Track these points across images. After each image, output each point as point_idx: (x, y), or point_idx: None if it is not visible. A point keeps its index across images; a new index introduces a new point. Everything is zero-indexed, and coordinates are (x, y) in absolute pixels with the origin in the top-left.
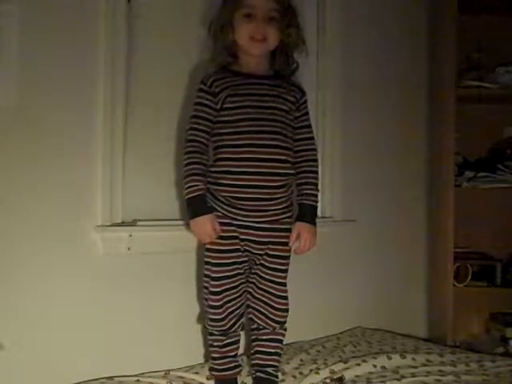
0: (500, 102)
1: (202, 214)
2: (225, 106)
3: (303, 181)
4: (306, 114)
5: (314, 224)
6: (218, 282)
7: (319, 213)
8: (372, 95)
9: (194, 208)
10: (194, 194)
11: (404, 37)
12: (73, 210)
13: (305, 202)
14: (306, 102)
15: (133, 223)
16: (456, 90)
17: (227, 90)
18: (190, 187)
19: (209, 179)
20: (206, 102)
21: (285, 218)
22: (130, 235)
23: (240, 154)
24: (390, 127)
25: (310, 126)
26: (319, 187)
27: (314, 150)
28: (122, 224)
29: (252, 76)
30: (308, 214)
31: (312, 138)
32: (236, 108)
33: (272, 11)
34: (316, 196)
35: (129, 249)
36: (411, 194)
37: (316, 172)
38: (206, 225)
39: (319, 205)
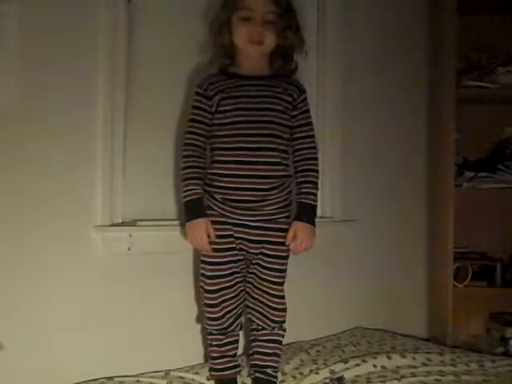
0: (500, 102)
1: (197, 217)
2: (219, 108)
3: (302, 179)
4: (305, 111)
5: (313, 223)
6: (213, 281)
7: (319, 213)
8: (372, 95)
9: (189, 211)
10: (191, 198)
11: (404, 37)
12: (73, 210)
13: (303, 200)
14: (304, 99)
15: (133, 223)
16: (456, 90)
17: (221, 93)
18: (186, 191)
19: (206, 180)
20: (202, 105)
21: (281, 217)
22: (130, 235)
23: (233, 157)
24: (390, 127)
25: (309, 124)
26: (319, 185)
27: (314, 148)
28: (122, 224)
29: (249, 77)
30: (305, 213)
31: (312, 136)
32: (229, 111)
33: (269, 14)
34: (315, 195)
35: (129, 249)
36: (411, 193)
37: (316, 170)
38: (200, 228)
39: (319, 204)
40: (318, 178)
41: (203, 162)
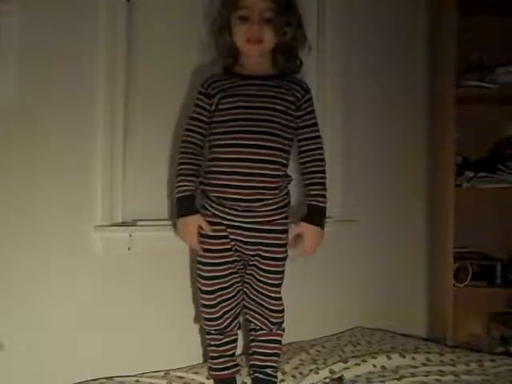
0: (500, 102)
1: (188, 214)
2: (219, 107)
3: (310, 181)
4: (310, 112)
5: (321, 226)
6: (210, 282)
7: None
8: (372, 95)
9: (180, 208)
10: (182, 194)
11: (404, 37)
12: (73, 210)
13: (312, 203)
14: (309, 100)
15: (133, 223)
16: (456, 90)
17: (222, 92)
18: (179, 187)
19: (203, 179)
20: (202, 103)
21: (277, 219)
22: (130, 235)
23: (228, 154)
24: (390, 127)
25: (315, 125)
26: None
27: (320, 148)
28: (122, 224)
29: (251, 77)
30: (314, 216)
31: (317, 137)
32: (228, 109)
33: (267, 12)
34: (324, 196)
35: (129, 249)
36: (411, 193)
37: (323, 172)
38: (190, 224)
39: None
40: (325, 178)
41: (199, 159)
